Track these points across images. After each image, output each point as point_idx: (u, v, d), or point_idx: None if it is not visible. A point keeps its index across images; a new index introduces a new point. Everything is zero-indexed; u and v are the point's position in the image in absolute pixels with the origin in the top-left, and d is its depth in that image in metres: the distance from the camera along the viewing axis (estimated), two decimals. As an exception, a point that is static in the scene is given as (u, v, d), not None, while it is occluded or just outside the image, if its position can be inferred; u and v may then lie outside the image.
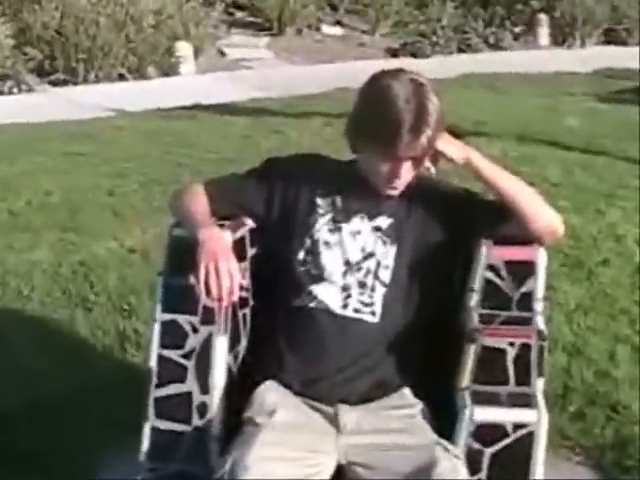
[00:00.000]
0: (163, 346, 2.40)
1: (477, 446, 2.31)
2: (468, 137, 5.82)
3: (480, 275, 2.41)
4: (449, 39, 12.76)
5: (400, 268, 2.46)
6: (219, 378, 2.39)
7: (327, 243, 2.48)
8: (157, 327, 2.41)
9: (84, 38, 10.37)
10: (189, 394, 2.38)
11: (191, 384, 2.38)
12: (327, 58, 12.13)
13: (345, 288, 2.45)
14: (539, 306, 2.40)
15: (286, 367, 2.45)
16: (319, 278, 2.46)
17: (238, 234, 2.50)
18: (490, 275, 2.40)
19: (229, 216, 2.54)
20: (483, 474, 2.32)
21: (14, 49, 10.24)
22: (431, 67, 8.71)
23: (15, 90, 9.90)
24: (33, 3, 10.65)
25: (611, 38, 13.93)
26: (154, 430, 2.40)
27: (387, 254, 2.47)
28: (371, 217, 2.50)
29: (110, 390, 3.59)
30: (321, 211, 2.51)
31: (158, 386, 2.40)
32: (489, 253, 2.42)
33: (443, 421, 2.38)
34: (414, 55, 12.31)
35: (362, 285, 2.45)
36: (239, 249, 2.45)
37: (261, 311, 2.56)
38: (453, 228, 2.49)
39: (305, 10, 12.98)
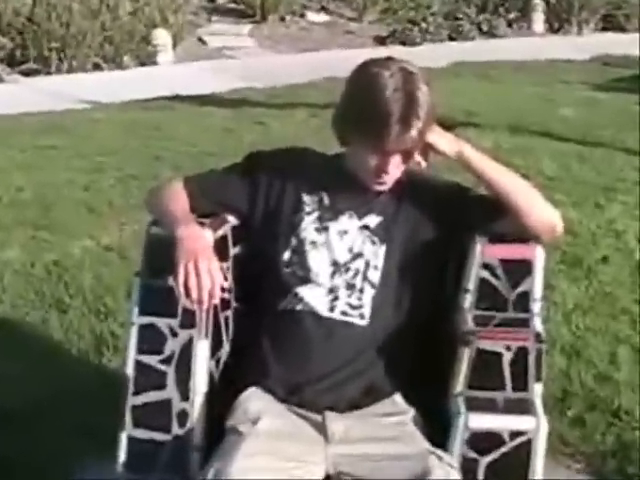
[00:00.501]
0: (141, 351, 2.36)
1: (472, 455, 2.27)
2: (459, 128, 5.76)
3: (475, 274, 2.36)
4: (440, 26, 12.67)
5: (390, 269, 2.41)
6: (200, 384, 2.34)
7: (314, 243, 2.42)
8: (134, 331, 2.37)
9: (57, 26, 10.24)
10: (169, 401, 2.34)
11: (171, 391, 2.34)
12: (312, 46, 12.04)
13: (332, 290, 2.39)
14: (537, 307, 2.35)
15: (270, 373, 2.40)
16: (305, 280, 2.40)
17: (220, 232, 2.45)
18: (485, 274, 2.36)
19: (210, 214, 2.48)
20: (479, 484, 2.29)
21: (-17, 37, 10.17)
22: (421, 55, 8.60)
23: (-16, 80, 9.81)
24: (3, -11, 10.58)
25: (609, 24, 13.77)
26: (131, 439, 2.35)
27: (376, 254, 2.41)
28: (359, 215, 2.44)
29: (86, 396, 3.52)
30: (307, 209, 2.45)
31: (136, 393, 2.35)
32: (484, 251, 2.37)
33: (436, 429, 2.34)
34: (403, 43, 12.23)
35: (350, 287, 2.39)
36: (221, 248, 2.41)
37: (244, 314, 2.51)
38: (445, 225, 2.43)
39: (289, -4, 12.91)
